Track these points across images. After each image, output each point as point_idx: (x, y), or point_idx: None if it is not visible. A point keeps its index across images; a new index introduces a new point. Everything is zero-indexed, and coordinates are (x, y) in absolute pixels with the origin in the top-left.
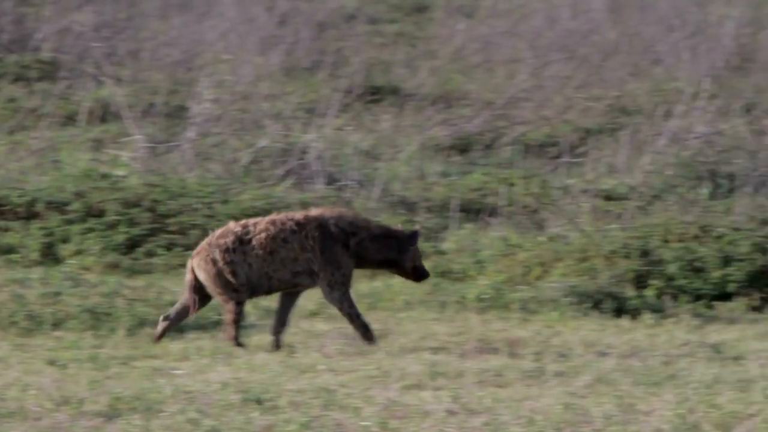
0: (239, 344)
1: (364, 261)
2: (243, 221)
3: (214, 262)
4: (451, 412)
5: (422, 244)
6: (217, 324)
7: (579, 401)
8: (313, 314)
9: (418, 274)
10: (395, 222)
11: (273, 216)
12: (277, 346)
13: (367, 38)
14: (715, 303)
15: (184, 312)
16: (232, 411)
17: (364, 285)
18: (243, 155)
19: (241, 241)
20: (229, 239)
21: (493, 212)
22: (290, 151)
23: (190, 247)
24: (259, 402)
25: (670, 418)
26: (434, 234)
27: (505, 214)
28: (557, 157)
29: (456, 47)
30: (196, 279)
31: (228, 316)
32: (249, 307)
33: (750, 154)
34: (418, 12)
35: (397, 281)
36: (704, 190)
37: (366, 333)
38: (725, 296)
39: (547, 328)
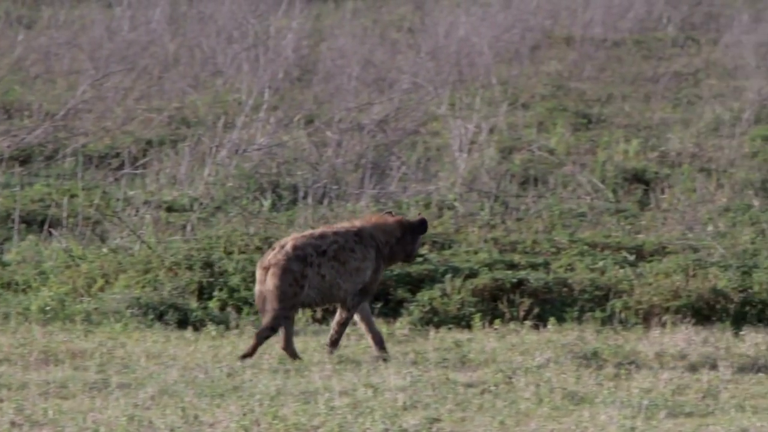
0: (249, 354)
1: (389, 262)
2: (306, 232)
3: (292, 272)
4: (14, 424)
5: None
6: None
7: (143, 413)
8: None
9: (414, 258)
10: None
11: (329, 228)
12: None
13: None
14: None
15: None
16: None
17: None
18: None
19: (317, 252)
20: (309, 250)
21: (55, 224)
22: None
23: None
24: None
25: (234, 429)
26: None
27: (67, 226)
28: (119, 168)
29: (16, 58)
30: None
31: (271, 322)
32: None
33: (311, 166)
34: None
35: None
36: (266, 202)
37: (336, 342)
38: None
39: (111, 339)
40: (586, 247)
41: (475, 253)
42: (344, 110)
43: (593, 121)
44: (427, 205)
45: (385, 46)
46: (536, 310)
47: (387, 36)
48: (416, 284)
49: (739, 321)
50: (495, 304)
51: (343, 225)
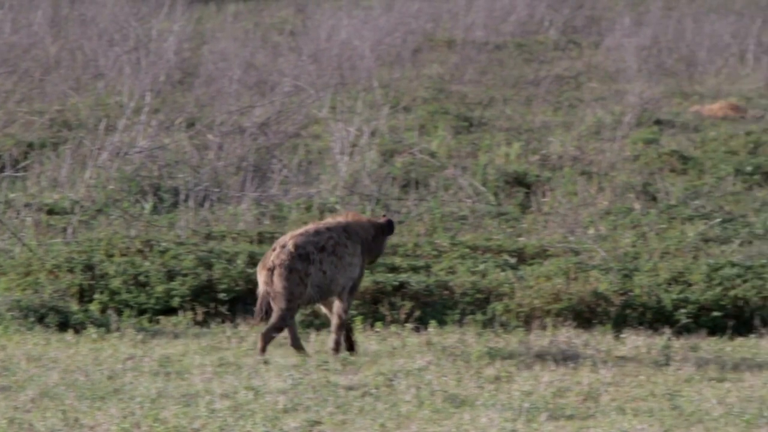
0: (265, 350)
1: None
2: (301, 230)
3: (297, 271)
4: None
5: None
6: None
7: (24, 415)
8: None
9: (378, 259)
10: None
11: (320, 224)
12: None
13: None
14: (159, 317)
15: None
16: None
17: None
18: None
19: (318, 249)
20: (310, 248)
21: None
22: None
23: None
24: None
25: None
26: None
27: None
28: (0, 171)
29: None
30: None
31: (278, 323)
32: None
33: (193, 169)
34: None
35: None
36: (147, 205)
37: (339, 345)
38: (170, 311)
39: None
40: (467, 250)
41: None
42: (225, 113)
43: (474, 124)
44: (308, 208)
45: (267, 49)
46: (417, 313)
47: (268, 39)
48: None
49: (619, 324)
50: (376, 306)
51: (329, 221)
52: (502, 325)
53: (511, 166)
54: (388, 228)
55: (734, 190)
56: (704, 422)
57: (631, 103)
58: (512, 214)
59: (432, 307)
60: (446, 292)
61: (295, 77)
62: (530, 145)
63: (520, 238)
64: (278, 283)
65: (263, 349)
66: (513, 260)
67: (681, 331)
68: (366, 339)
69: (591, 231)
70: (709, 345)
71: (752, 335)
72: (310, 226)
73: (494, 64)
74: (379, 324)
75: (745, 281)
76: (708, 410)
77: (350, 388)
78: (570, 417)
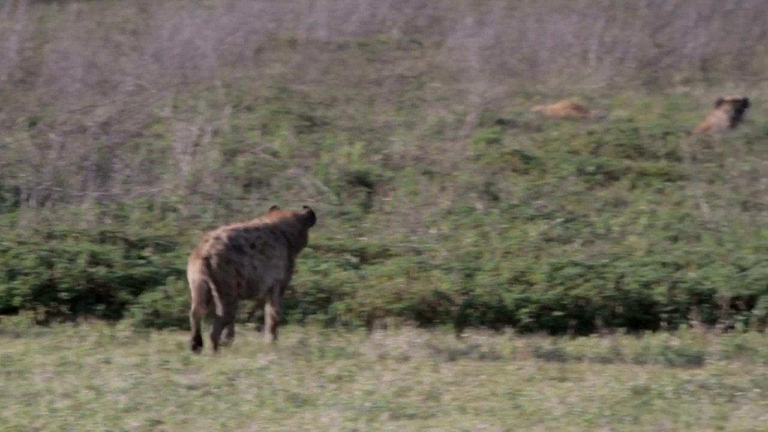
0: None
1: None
2: (232, 226)
3: (234, 262)
4: None
5: None
6: None
7: None
8: None
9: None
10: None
11: (249, 224)
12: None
13: None
14: (0, 317)
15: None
16: None
17: None
18: None
19: (249, 244)
20: (242, 242)
21: None
22: None
23: None
24: None
25: None
26: None
27: None
28: None
29: None
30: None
31: (223, 318)
32: None
33: (35, 168)
34: None
35: None
36: None
37: (276, 333)
38: (11, 310)
39: None
40: (309, 250)
41: None
42: (67, 112)
43: (317, 124)
44: (150, 207)
45: (109, 48)
46: (259, 312)
47: (111, 38)
48: (139, 286)
49: (461, 323)
50: None
51: (256, 222)
52: (344, 324)
53: (354, 166)
54: (310, 220)
55: (576, 189)
56: (545, 421)
57: (474, 102)
58: (354, 213)
59: None
60: (288, 292)
61: (137, 76)
62: (372, 145)
63: (362, 238)
64: (217, 275)
65: (215, 348)
66: (355, 260)
67: (523, 330)
68: (207, 338)
69: (433, 231)
70: (550, 344)
71: (593, 335)
72: (240, 224)
73: (337, 64)
74: None
75: (586, 281)
76: (549, 409)
77: (192, 388)
78: (411, 416)
